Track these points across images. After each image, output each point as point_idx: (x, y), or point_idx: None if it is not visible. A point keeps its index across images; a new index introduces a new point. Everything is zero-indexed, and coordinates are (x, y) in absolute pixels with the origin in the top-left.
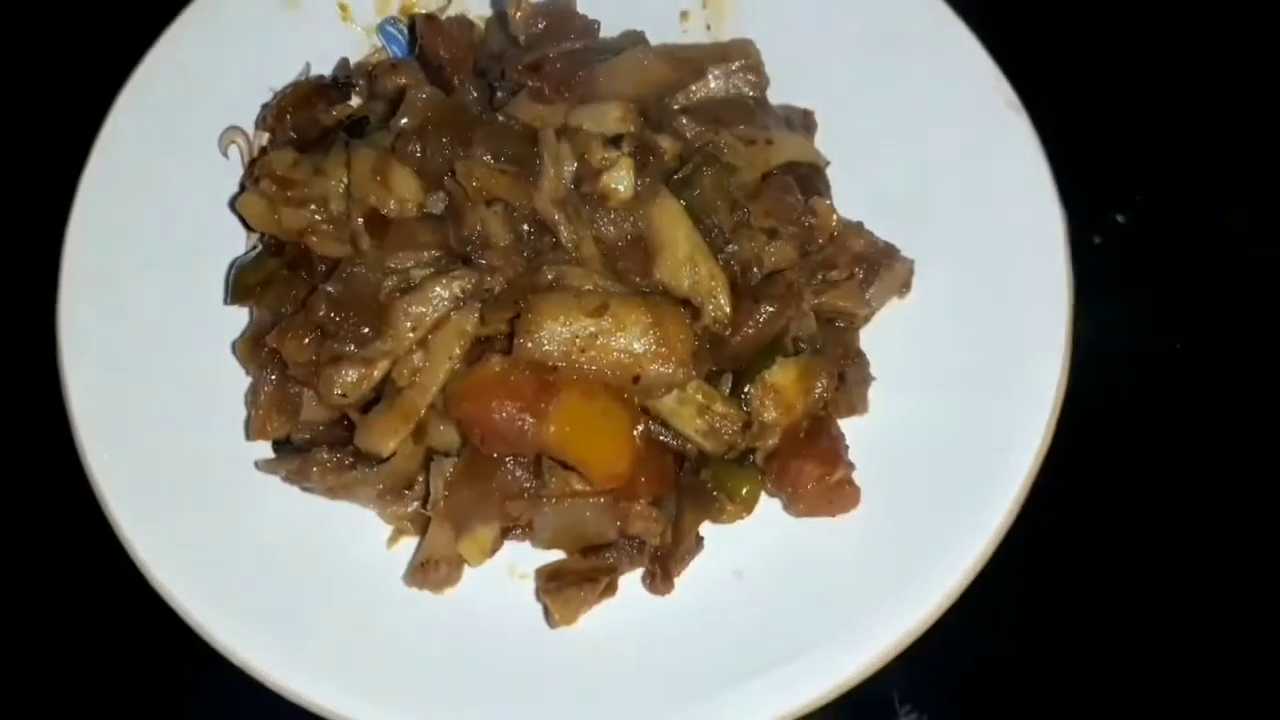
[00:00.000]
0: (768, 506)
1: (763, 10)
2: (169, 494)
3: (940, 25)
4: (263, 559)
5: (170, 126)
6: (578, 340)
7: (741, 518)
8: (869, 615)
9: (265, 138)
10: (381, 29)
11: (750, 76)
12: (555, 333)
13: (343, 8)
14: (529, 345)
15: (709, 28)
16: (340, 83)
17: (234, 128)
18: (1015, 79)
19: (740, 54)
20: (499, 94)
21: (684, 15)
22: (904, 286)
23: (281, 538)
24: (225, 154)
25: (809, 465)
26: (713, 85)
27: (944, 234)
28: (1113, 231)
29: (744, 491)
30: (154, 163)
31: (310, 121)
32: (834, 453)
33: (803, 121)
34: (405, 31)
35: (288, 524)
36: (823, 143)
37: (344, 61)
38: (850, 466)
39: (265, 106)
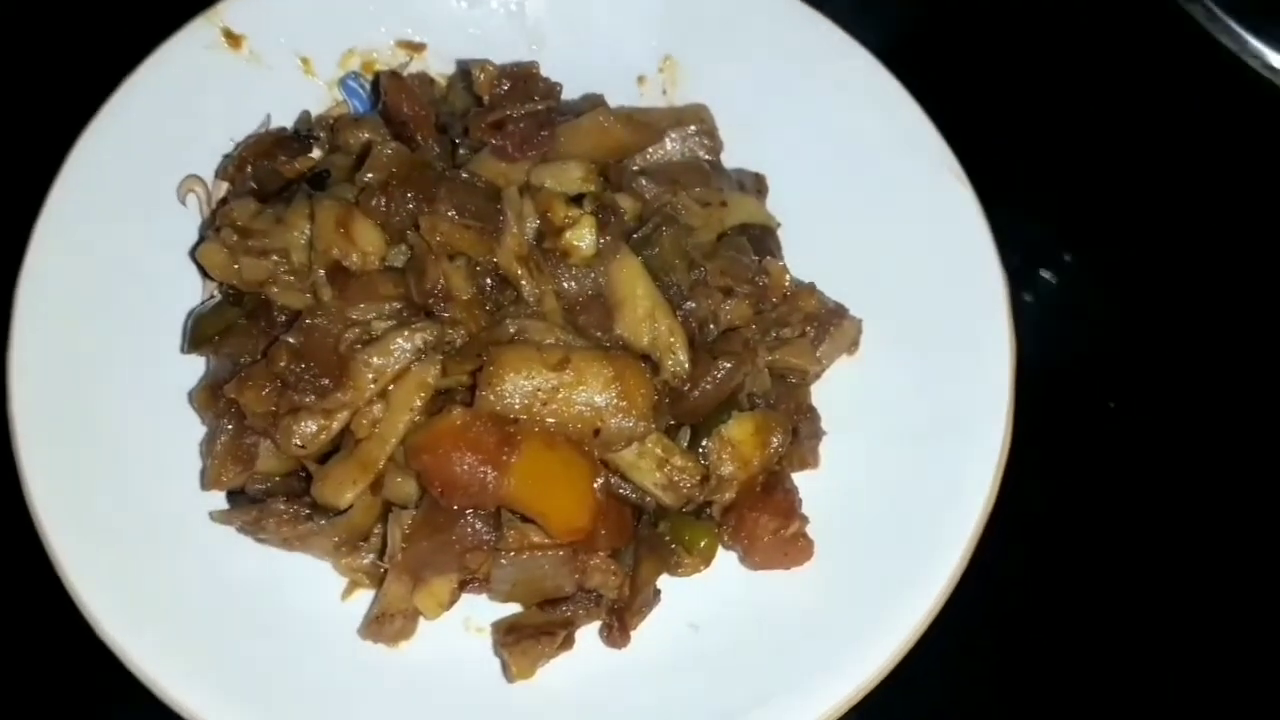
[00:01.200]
0: (724, 559)
1: (716, 76)
2: (120, 544)
3: (889, 96)
4: (215, 611)
5: (128, 175)
6: (540, 393)
7: (699, 570)
8: (825, 667)
9: (225, 188)
10: (343, 83)
11: (705, 140)
12: (517, 385)
13: (304, 61)
14: (491, 397)
15: (664, 92)
16: (302, 135)
17: (193, 176)
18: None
19: (695, 118)
20: (461, 151)
21: (641, 79)
22: (853, 345)
23: (235, 590)
24: (184, 202)
25: (765, 518)
26: (669, 147)
27: (891, 295)
28: (1043, 288)
29: (702, 544)
30: (110, 209)
31: (271, 173)
32: (789, 506)
33: (755, 185)
34: (367, 86)
35: (242, 576)
36: (774, 205)
37: (305, 114)
38: (804, 520)
39: (226, 157)
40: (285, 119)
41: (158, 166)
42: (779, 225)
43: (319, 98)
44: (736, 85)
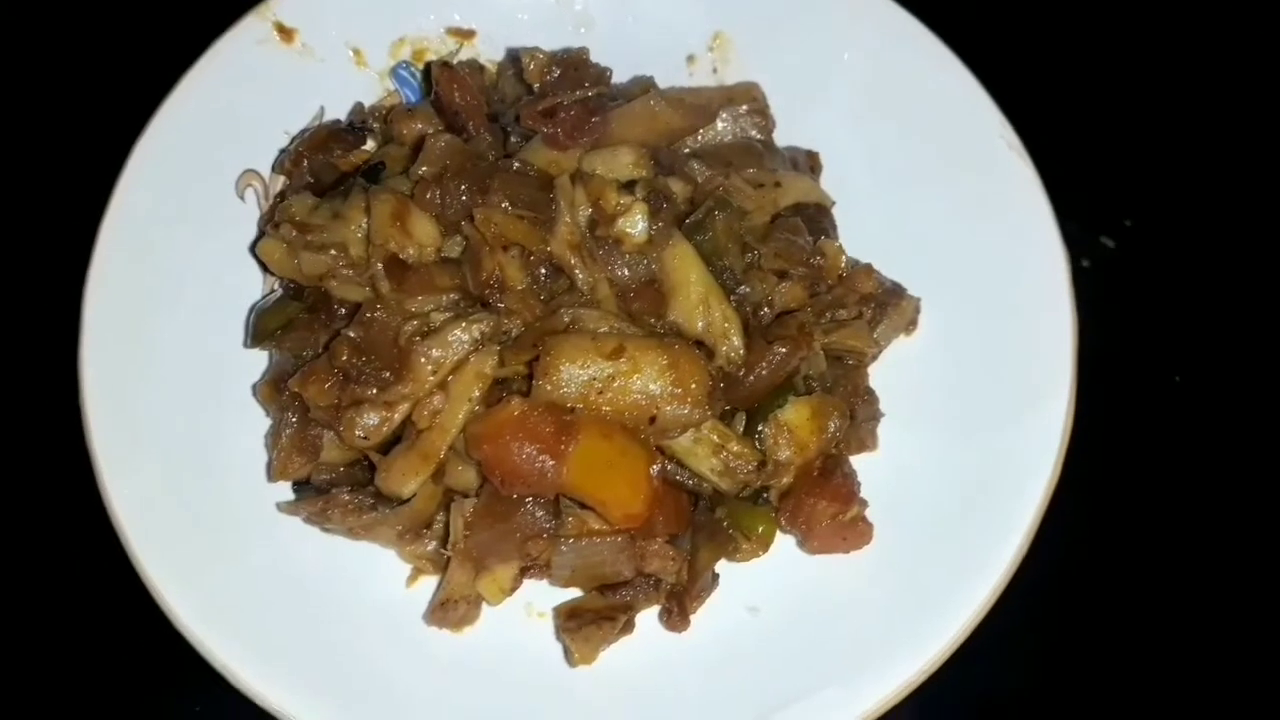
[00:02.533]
0: (782, 543)
1: (767, 53)
2: (192, 536)
3: (945, 69)
4: (285, 599)
5: (187, 172)
6: (595, 382)
7: (757, 556)
8: (884, 651)
9: (281, 181)
10: (395, 73)
11: (757, 119)
12: (573, 375)
13: (356, 52)
14: (547, 387)
15: (715, 70)
16: (356, 127)
17: (250, 171)
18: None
19: (746, 97)
20: (513, 139)
21: (690, 59)
22: (910, 324)
23: (304, 579)
24: (241, 197)
25: (823, 503)
26: (720, 128)
27: (949, 273)
28: (1101, 254)
29: (760, 530)
30: (172, 208)
31: (327, 166)
32: (847, 490)
33: (808, 163)
34: (418, 75)
35: (310, 565)
36: (828, 183)
37: (359, 106)
38: (863, 504)
39: (282, 151)
40: (339, 110)
41: (216, 163)
42: (833, 204)
43: (371, 88)
44: (788, 61)
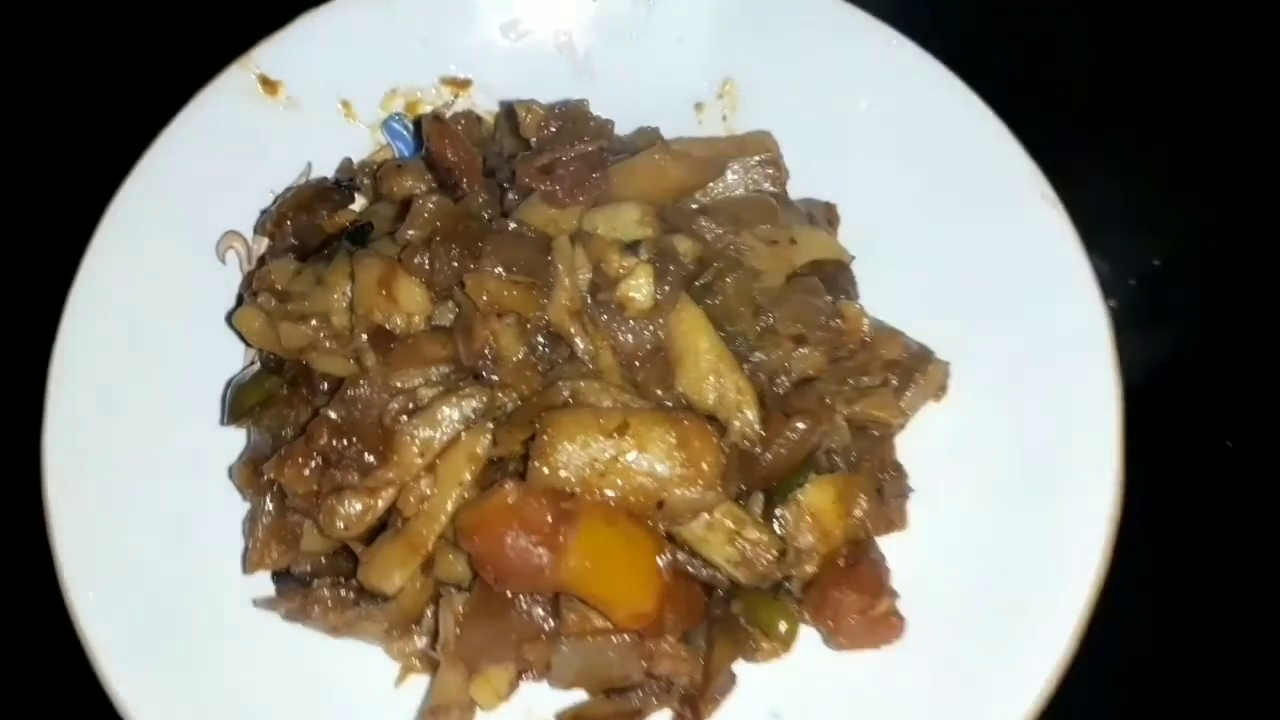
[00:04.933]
0: (806, 637)
1: (779, 100)
2: (159, 632)
3: (972, 114)
4: (262, 703)
5: (165, 234)
6: (597, 463)
7: (778, 656)
8: None
9: (264, 243)
10: (386, 126)
11: (769, 170)
12: (573, 455)
13: (345, 105)
14: (544, 470)
15: (724, 118)
16: (343, 185)
17: (232, 232)
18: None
19: (758, 147)
20: (510, 196)
21: (699, 107)
22: (939, 390)
23: (282, 679)
24: (223, 260)
25: (850, 596)
26: (731, 180)
27: (980, 333)
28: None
29: (781, 627)
30: (146, 273)
31: (312, 228)
32: (876, 581)
33: (825, 215)
34: (411, 127)
35: (288, 664)
36: (846, 237)
37: (347, 162)
38: (894, 595)
39: (265, 212)
40: (327, 166)
41: (196, 223)
42: (853, 259)
43: (361, 142)
44: (802, 108)
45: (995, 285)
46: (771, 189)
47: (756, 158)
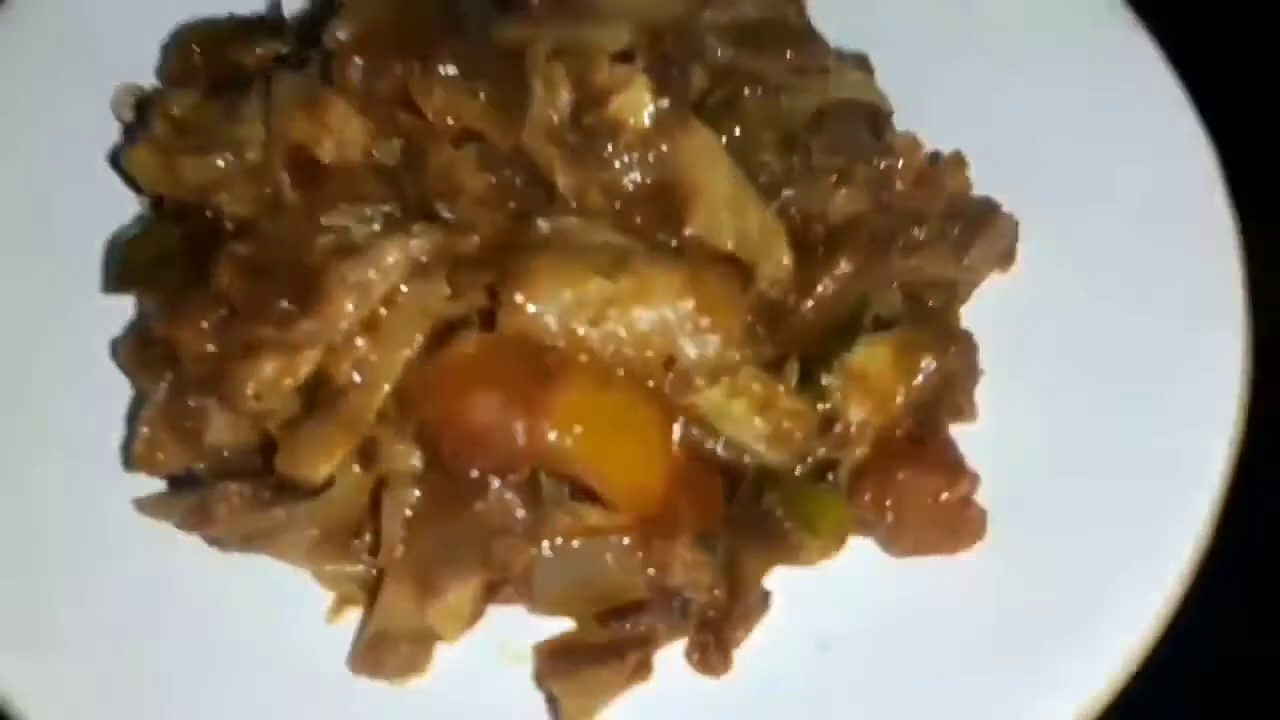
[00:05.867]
0: (857, 549)
1: None
2: (19, 555)
3: None
4: (151, 642)
5: (47, 71)
6: (586, 309)
7: (828, 557)
8: (1013, 698)
9: None
10: None
11: (790, 5)
12: (555, 298)
13: None
14: (518, 316)
15: None
16: (269, 21)
17: (132, 85)
18: None
19: None
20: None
21: None
22: (1006, 255)
23: (179, 612)
24: (119, 118)
25: (918, 477)
26: (742, 7)
27: (1053, 185)
28: None
29: (829, 518)
30: (24, 118)
31: (228, 65)
32: (950, 459)
33: (856, 65)
34: None
35: (188, 592)
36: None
37: (276, 2)
38: (975, 479)
39: (166, 48)
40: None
41: (86, 71)
42: (892, 111)
43: None
44: None
45: (1067, 130)
46: (794, 19)
47: None
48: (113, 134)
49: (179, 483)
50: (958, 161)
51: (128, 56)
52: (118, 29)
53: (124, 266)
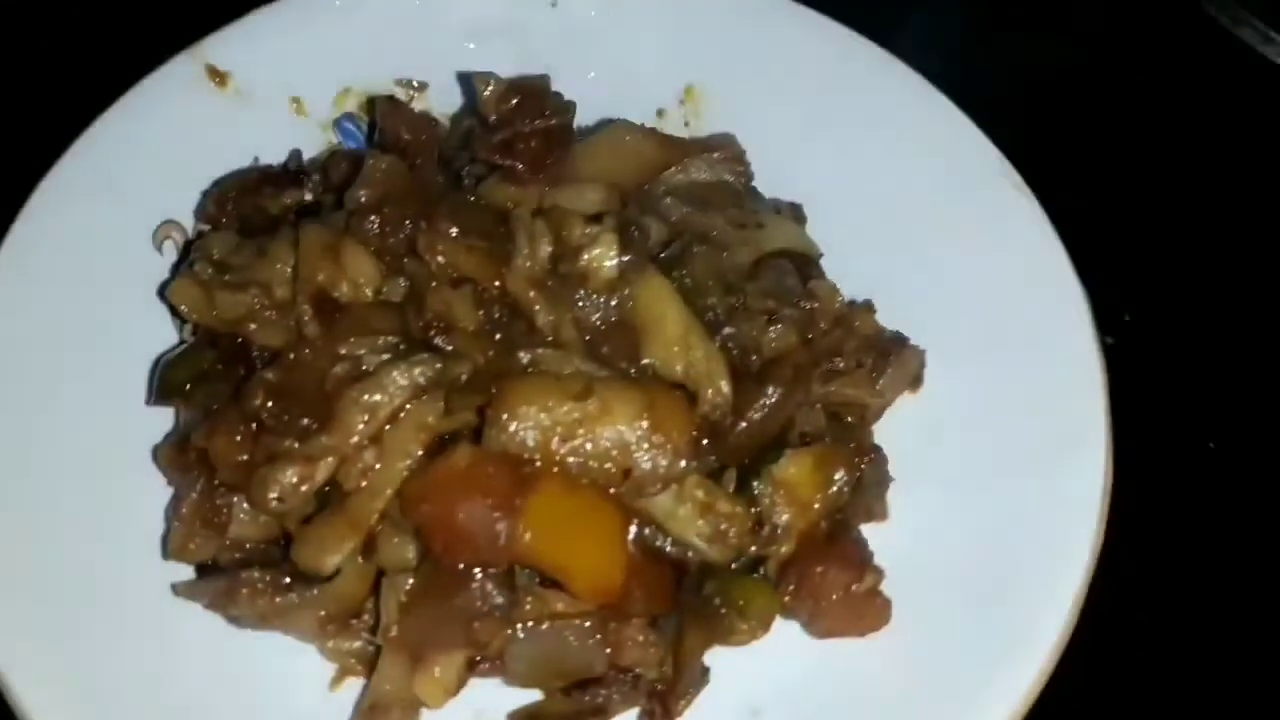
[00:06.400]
0: (785, 630)
1: (742, 104)
2: (68, 627)
3: (932, 109)
4: (181, 706)
5: (97, 213)
6: (559, 428)
7: (756, 638)
8: None
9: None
10: (338, 124)
11: (735, 166)
12: (532, 418)
13: (296, 101)
14: (501, 436)
15: (687, 124)
16: (292, 170)
17: (170, 222)
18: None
19: (722, 147)
20: (466, 183)
21: (660, 113)
22: (915, 379)
23: (204, 681)
24: (159, 249)
25: (832, 571)
26: (694, 172)
27: (953, 322)
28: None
29: (758, 606)
30: (76, 250)
31: (257, 210)
32: (859, 556)
33: (792, 214)
34: (364, 128)
35: (212, 664)
36: (814, 236)
37: (296, 153)
38: (880, 573)
39: (205, 194)
40: (275, 161)
41: (132, 208)
42: (821, 255)
43: (312, 140)
44: (765, 112)
45: (968, 278)
46: (737, 183)
47: (719, 154)
48: (158, 269)
49: (204, 570)
50: (867, 310)
51: (166, 200)
52: (157, 176)
53: (165, 383)
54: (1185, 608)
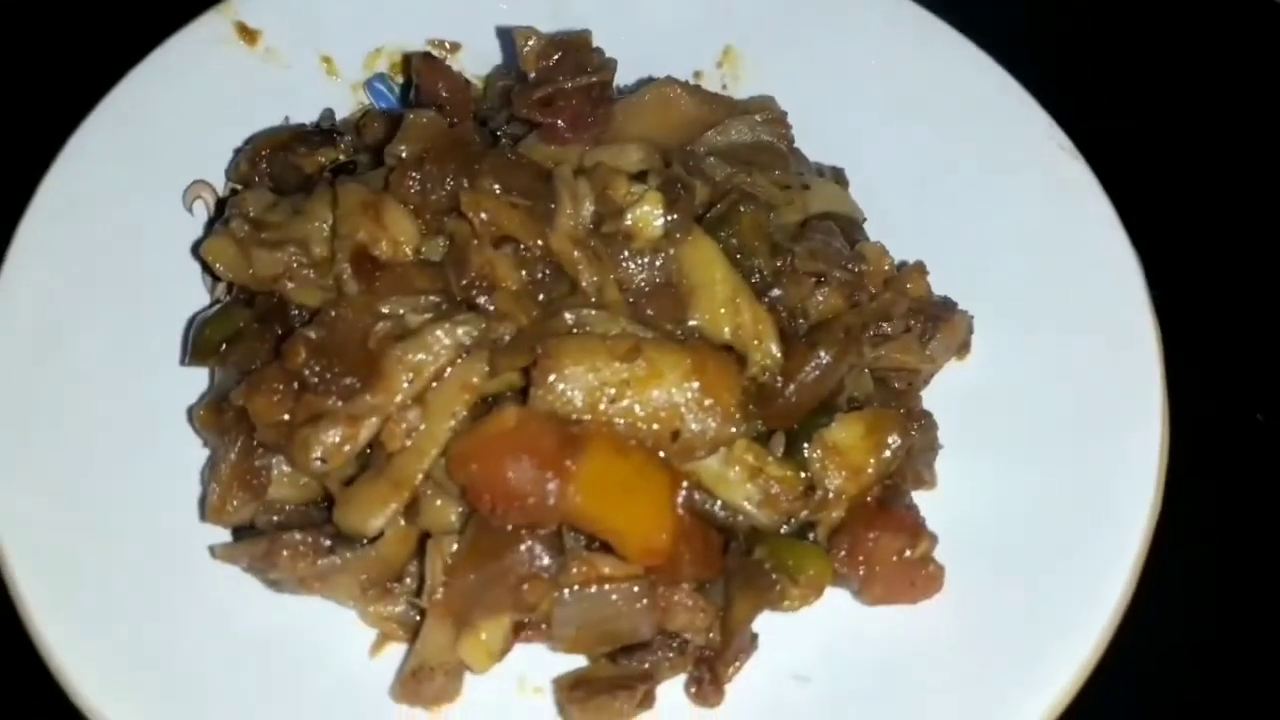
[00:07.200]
0: (833, 597)
1: (781, 66)
2: (105, 592)
3: (983, 71)
4: (219, 672)
5: (126, 172)
6: (606, 389)
7: (808, 603)
8: None
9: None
10: (370, 85)
11: (778, 129)
12: (579, 379)
13: (326, 60)
14: (548, 396)
15: (724, 86)
16: (324, 129)
17: (201, 182)
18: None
19: (762, 109)
20: (504, 142)
21: (697, 74)
22: (963, 346)
23: (243, 645)
24: (190, 210)
25: (885, 537)
26: (736, 134)
27: (1004, 288)
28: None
29: (810, 570)
30: (105, 210)
31: (290, 167)
32: (913, 522)
33: (834, 178)
34: (396, 89)
35: (251, 628)
36: (857, 201)
37: (329, 111)
38: (933, 538)
39: (237, 152)
40: (305, 121)
41: (162, 167)
42: (864, 219)
43: (343, 100)
44: (804, 74)
45: (1016, 241)
46: (779, 144)
47: (759, 116)
48: (188, 229)
49: (240, 533)
50: (919, 270)
51: (195, 159)
52: (186, 135)
53: (201, 343)
54: (1236, 580)
